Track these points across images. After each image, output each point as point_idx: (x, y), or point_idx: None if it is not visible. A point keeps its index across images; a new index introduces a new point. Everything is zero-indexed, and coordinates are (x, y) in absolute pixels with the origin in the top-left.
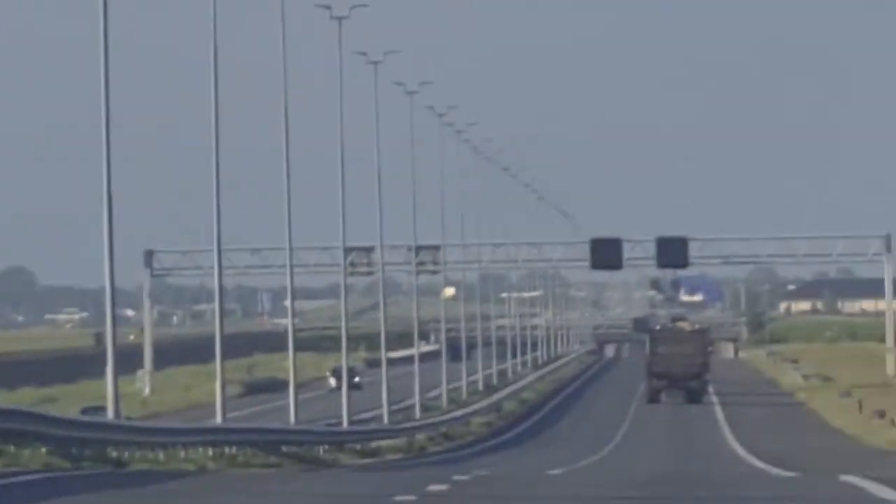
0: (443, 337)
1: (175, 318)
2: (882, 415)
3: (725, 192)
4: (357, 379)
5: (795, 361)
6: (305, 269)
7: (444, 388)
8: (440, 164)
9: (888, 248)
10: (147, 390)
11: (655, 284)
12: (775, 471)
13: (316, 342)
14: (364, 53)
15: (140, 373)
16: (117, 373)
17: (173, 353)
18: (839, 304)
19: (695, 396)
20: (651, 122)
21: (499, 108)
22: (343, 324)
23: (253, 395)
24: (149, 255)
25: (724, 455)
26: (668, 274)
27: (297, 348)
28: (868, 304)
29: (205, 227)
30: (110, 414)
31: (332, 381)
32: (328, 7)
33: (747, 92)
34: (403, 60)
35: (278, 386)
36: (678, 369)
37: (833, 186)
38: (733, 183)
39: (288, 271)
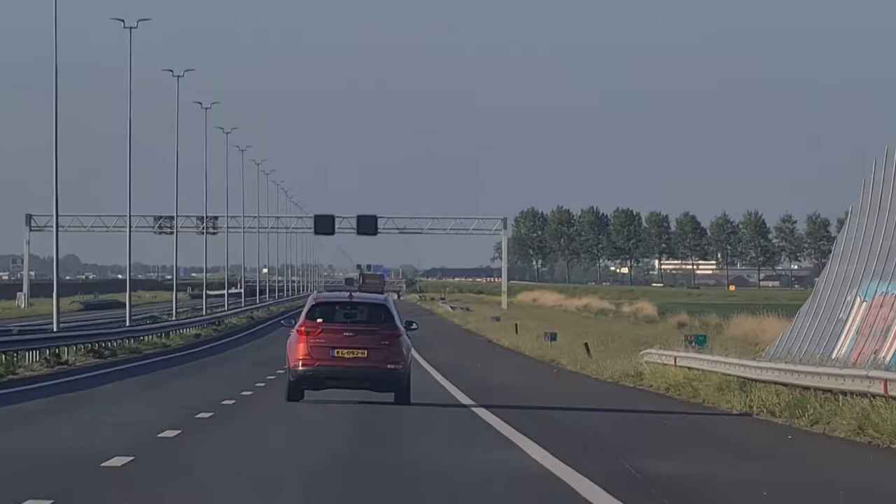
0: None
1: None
2: (551, 336)
3: (407, 182)
4: None
5: (443, 299)
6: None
7: (204, 304)
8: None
9: (504, 226)
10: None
11: (358, 267)
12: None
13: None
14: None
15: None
16: None
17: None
18: (451, 278)
19: None
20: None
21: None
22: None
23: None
24: (29, 218)
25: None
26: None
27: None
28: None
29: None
30: None
31: None
32: (121, 20)
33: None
34: (198, 80)
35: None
36: (372, 290)
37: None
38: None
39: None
